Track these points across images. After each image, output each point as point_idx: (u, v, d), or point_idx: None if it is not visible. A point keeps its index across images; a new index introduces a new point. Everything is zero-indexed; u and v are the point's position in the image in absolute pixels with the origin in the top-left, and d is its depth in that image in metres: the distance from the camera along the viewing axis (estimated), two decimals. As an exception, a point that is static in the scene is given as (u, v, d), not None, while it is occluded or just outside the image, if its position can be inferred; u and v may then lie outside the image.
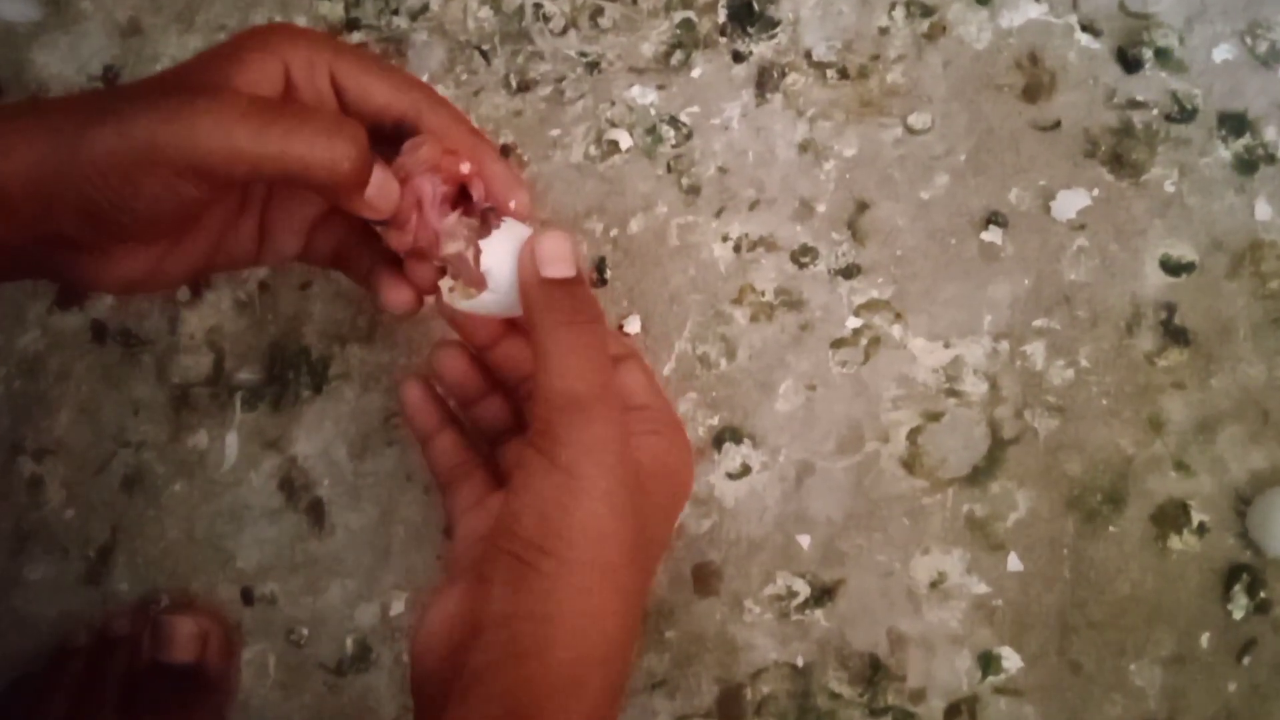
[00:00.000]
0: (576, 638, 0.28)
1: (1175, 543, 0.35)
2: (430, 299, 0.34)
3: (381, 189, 0.31)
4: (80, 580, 0.41)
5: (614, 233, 0.43)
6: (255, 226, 0.34)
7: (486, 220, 0.33)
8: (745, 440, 0.40)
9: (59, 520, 0.42)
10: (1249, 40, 0.40)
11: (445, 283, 0.33)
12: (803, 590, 0.38)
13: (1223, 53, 0.40)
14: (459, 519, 0.35)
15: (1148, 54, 0.40)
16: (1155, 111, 0.40)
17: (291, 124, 0.28)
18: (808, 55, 0.44)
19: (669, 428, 0.34)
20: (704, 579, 0.39)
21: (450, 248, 0.33)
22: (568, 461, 0.28)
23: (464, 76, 0.45)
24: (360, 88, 0.32)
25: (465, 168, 0.33)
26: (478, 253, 0.32)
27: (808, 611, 0.38)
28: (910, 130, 0.42)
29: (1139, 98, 0.40)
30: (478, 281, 0.32)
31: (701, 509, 0.39)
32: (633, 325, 0.42)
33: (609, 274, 0.43)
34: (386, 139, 0.33)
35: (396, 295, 0.34)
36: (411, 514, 0.41)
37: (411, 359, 0.43)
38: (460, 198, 0.34)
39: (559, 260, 0.31)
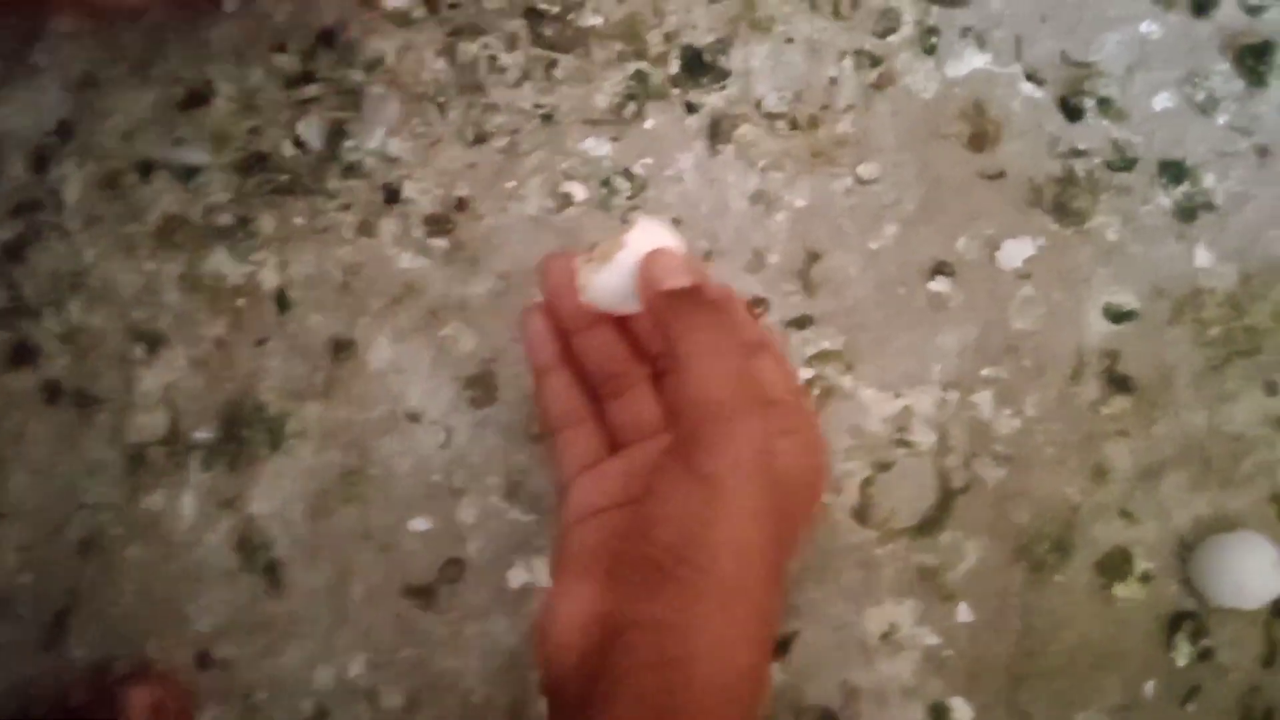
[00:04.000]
0: (715, 652, 0.27)
1: (1120, 590, 0.36)
2: None
3: None
4: (36, 646, 0.41)
5: (569, 285, 0.43)
6: None
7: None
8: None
9: (14, 585, 0.42)
10: (1188, 89, 0.41)
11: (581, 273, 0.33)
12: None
13: (1162, 101, 0.40)
14: (573, 480, 0.34)
15: (1089, 103, 0.41)
16: (1097, 160, 0.40)
17: None
18: (759, 106, 0.44)
19: (804, 425, 0.33)
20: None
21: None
22: (711, 473, 0.28)
23: (420, 129, 0.46)
24: None
25: None
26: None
27: (763, 664, 0.38)
28: (860, 180, 0.42)
29: (1081, 146, 0.41)
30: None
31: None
32: (588, 378, 0.42)
33: (564, 326, 0.43)
34: None
35: None
36: (369, 573, 0.41)
37: (370, 414, 0.43)
38: None
39: (674, 273, 0.31)
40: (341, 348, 0.44)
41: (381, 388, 0.43)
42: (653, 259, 0.31)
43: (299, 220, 0.45)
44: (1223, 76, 0.40)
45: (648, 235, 0.33)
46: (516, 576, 0.40)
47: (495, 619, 0.40)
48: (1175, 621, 0.35)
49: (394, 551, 0.41)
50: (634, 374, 0.35)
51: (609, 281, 0.33)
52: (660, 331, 0.31)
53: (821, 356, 0.41)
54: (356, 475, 0.42)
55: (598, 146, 0.45)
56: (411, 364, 0.43)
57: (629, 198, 0.44)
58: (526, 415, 0.43)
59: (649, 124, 0.45)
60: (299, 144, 0.46)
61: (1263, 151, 0.39)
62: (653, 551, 0.28)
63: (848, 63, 0.44)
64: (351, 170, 0.45)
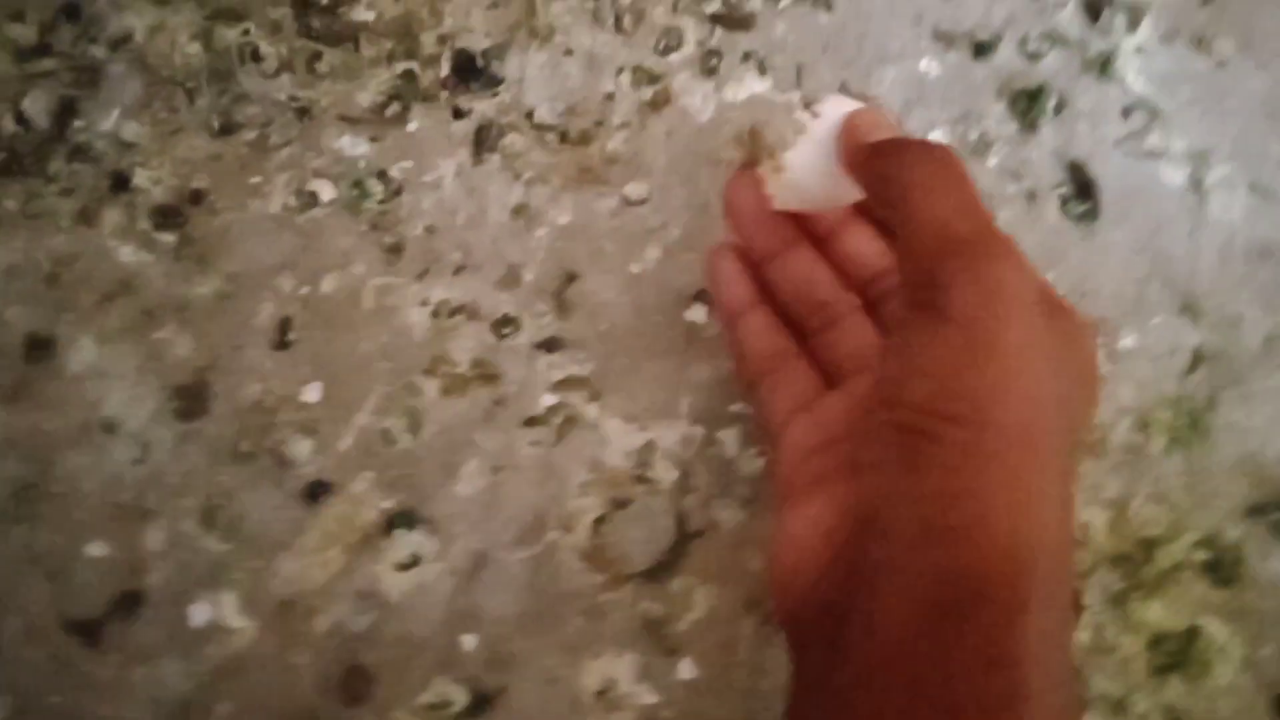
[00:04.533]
0: (1009, 512, 0.21)
1: (853, 650, 0.33)
2: None
3: None
4: None
5: (304, 291, 0.39)
6: None
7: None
8: (420, 526, 0.36)
9: None
10: (962, 129, 0.39)
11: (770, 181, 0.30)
12: (460, 699, 0.34)
13: (936, 139, 0.39)
14: (784, 427, 0.29)
15: (863, 137, 0.39)
16: (867, 195, 0.38)
17: None
18: (530, 116, 0.41)
19: (1077, 320, 0.25)
20: (354, 684, 0.34)
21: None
22: (962, 311, 0.22)
23: (162, 114, 0.41)
24: None
25: None
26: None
27: (465, 724, 0.34)
28: (627, 200, 0.40)
29: (852, 180, 0.39)
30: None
31: (362, 604, 0.35)
32: (312, 394, 0.38)
33: (292, 336, 0.39)
34: None
35: None
36: (30, 603, 0.35)
37: (61, 422, 0.37)
38: None
39: (881, 128, 0.27)
40: (38, 346, 0.39)
41: (78, 393, 0.38)
42: (855, 116, 0.28)
43: (10, 204, 0.40)
44: (996, 119, 0.39)
45: (839, 104, 0.29)
46: (199, 613, 0.35)
47: (168, 661, 0.35)
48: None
49: (63, 580, 0.36)
50: (844, 301, 0.31)
51: (805, 161, 0.29)
52: (877, 185, 0.26)
53: (568, 383, 0.37)
54: (34, 491, 0.37)
55: (354, 146, 0.41)
56: (116, 368, 0.38)
57: (381, 201, 0.41)
58: (237, 431, 0.38)
59: (412, 126, 0.42)
60: (22, 121, 0.41)
61: (1031, 196, 0.38)
62: (904, 416, 0.22)
63: (625, 79, 0.41)
64: (79, 153, 0.41)
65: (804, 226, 0.32)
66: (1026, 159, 0.39)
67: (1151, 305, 0.36)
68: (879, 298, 0.31)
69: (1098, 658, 0.31)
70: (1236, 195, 0.37)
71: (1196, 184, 0.38)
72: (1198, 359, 0.35)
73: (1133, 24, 0.40)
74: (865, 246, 0.31)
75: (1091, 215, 0.38)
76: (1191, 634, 0.32)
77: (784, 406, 0.29)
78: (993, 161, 0.39)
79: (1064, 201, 0.38)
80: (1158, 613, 0.32)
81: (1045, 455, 0.22)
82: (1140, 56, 0.39)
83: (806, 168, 0.30)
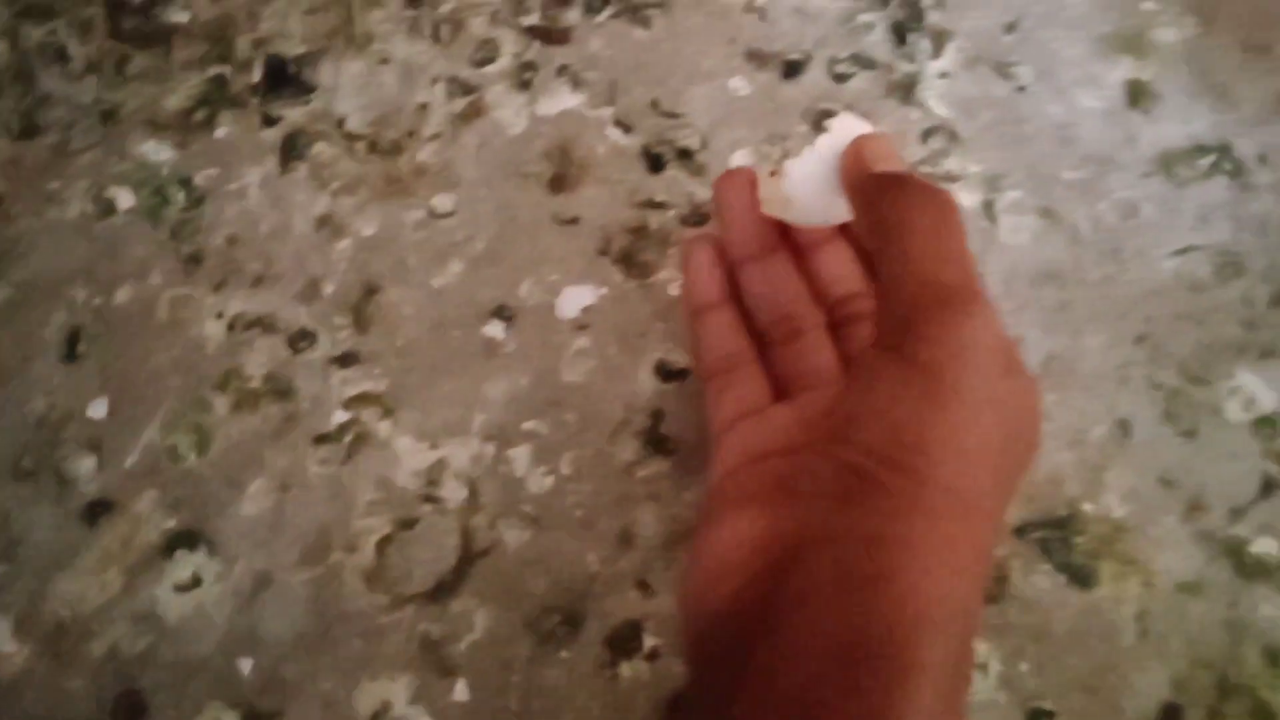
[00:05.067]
0: (923, 575, 0.21)
1: (625, 669, 0.33)
2: None
3: None
4: None
5: (97, 301, 0.38)
6: None
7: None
8: (202, 546, 0.35)
9: None
10: (766, 149, 0.40)
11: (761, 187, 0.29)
12: (232, 723, 0.33)
13: (740, 159, 0.39)
14: (726, 430, 0.28)
15: (671, 154, 0.39)
16: (672, 213, 0.39)
17: None
18: (341, 125, 0.41)
19: (1025, 372, 0.26)
20: (127, 709, 0.33)
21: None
22: (931, 361, 0.22)
23: (-44, 115, 0.40)
24: None
25: None
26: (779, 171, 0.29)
27: (235, 748, 0.33)
28: (433, 213, 0.39)
29: (659, 198, 0.39)
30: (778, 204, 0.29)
31: (139, 626, 0.34)
32: (98, 409, 0.37)
33: (82, 348, 0.38)
34: None
35: None
36: None
37: None
38: None
39: (889, 159, 0.26)
40: None
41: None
42: (864, 141, 0.27)
43: None
44: (800, 140, 0.39)
45: (851, 125, 0.28)
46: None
47: (-72, 689, 0.33)
48: (674, 702, 0.32)
49: None
50: (810, 317, 0.30)
51: (806, 174, 0.29)
52: (872, 216, 0.25)
53: (362, 398, 0.37)
54: None
55: (159, 151, 0.40)
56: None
57: (183, 209, 0.40)
58: (20, 447, 0.37)
59: (220, 133, 0.41)
60: None
61: (828, 217, 0.38)
62: (851, 455, 0.23)
63: (440, 89, 0.41)
64: None
65: (786, 234, 0.31)
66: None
67: (938, 327, 0.37)
68: (846, 319, 0.31)
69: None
70: (1026, 219, 0.38)
71: (989, 207, 0.38)
72: (978, 380, 0.36)
73: (937, 49, 0.40)
74: (842, 267, 0.31)
75: (887, 237, 0.38)
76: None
77: (730, 410, 0.29)
78: (795, 182, 0.39)
79: (861, 223, 0.38)
80: (920, 631, 0.33)
81: (978, 518, 0.22)
82: (943, 81, 0.40)
83: (805, 181, 0.29)
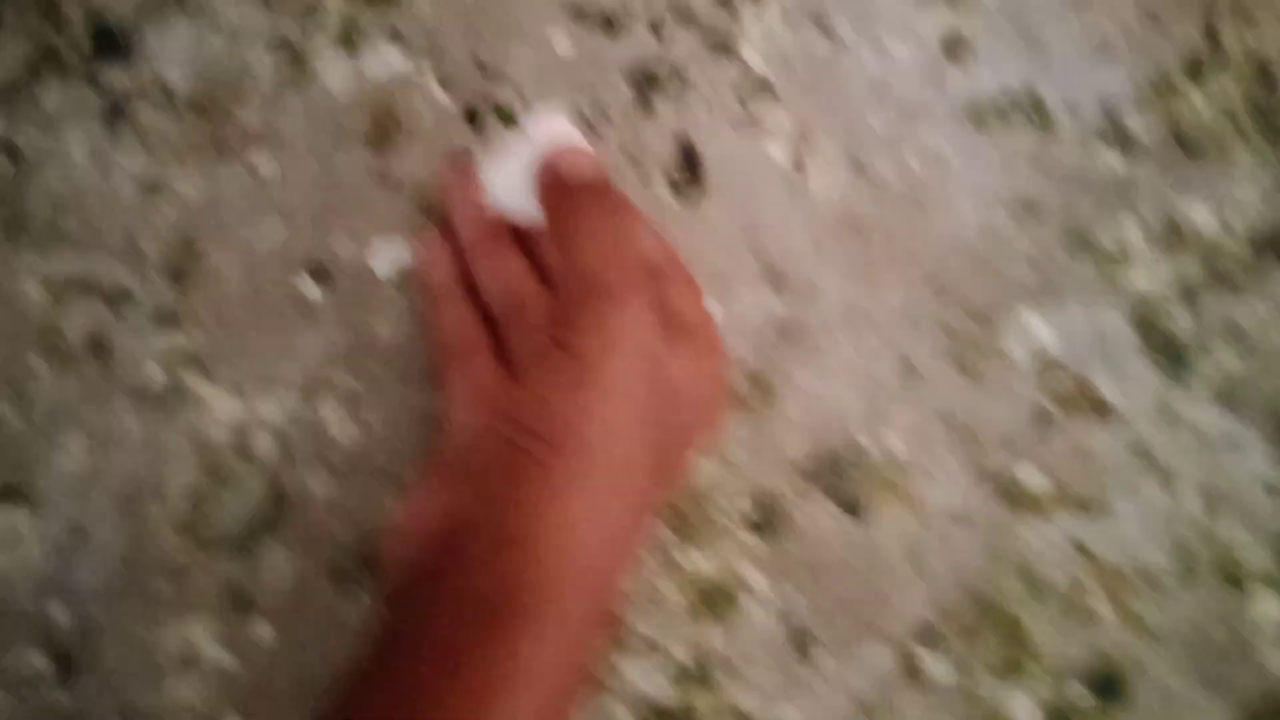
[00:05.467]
0: (567, 533, 0.25)
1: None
2: None
3: None
4: None
5: (-80, 268, 0.39)
6: None
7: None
8: (23, 504, 0.36)
9: None
10: (587, 107, 0.40)
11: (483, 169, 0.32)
12: (43, 666, 0.34)
13: (561, 117, 0.40)
14: (456, 406, 0.30)
15: (491, 114, 0.40)
16: (489, 170, 0.39)
17: None
18: (167, 89, 0.41)
19: (712, 354, 0.31)
20: (-60, 658, 0.34)
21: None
22: (584, 350, 0.26)
23: None
24: None
25: None
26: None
27: (44, 690, 0.34)
28: (257, 174, 0.40)
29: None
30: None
31: (-46, 578, 0.35)
32: (-80, 371, 0.37)
33: (-96, 313, 0.38)
34: None
35: None
36: None
37: None
38: None
39: (579, 170, 0.30)
40: None
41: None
42: (559, 155, 0.31)
43: None
44: (621, 98, 0.40)
45: (545, 124, 0.32)
46: None
47: None
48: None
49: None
50: (535, 299, 0.31)
51: (505, 173, 0.31)
52: (549, 222, 0.28)
53: (178, 357, 0.38)
54: None
55: (-16, 119, 0.41)
56: None
57: (8, 176, 0.40)
58: None
59: (46, 98, 0.41)
60: None
61: (645, 173, 0.39)
62: (511, 432, 0.26)
63: (267, 52, 0.41)
64: None
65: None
66: (643, 140, 0.40)
67: (740, 276, 0.38)
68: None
69: (640, 603, 0.33)
70: (836, 173, 0.39)
71: (800, 162, 0.39)
72: (778, 328, 0.37)
73: (758, 5, 0.41)
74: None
75: (698, 192, 0.39)
76: (731, 580, 0.34)
77: (463, 393, 0.31)
78: (613, 140, 0.40)
79: (674, 179, 0.39)
80: (701, 561, 0.34)
81: (627, 489, 0.26)
82: (763, 37, 0.41)
83: (504, 179, 0.32)
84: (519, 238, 0.33)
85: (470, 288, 0.33)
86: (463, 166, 0.32)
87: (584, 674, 0.26)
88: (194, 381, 0.37)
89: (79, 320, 0.38)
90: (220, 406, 0.37)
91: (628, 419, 0.26)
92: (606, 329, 0.26)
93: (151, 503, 0.36)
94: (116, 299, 0.38)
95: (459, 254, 0.34)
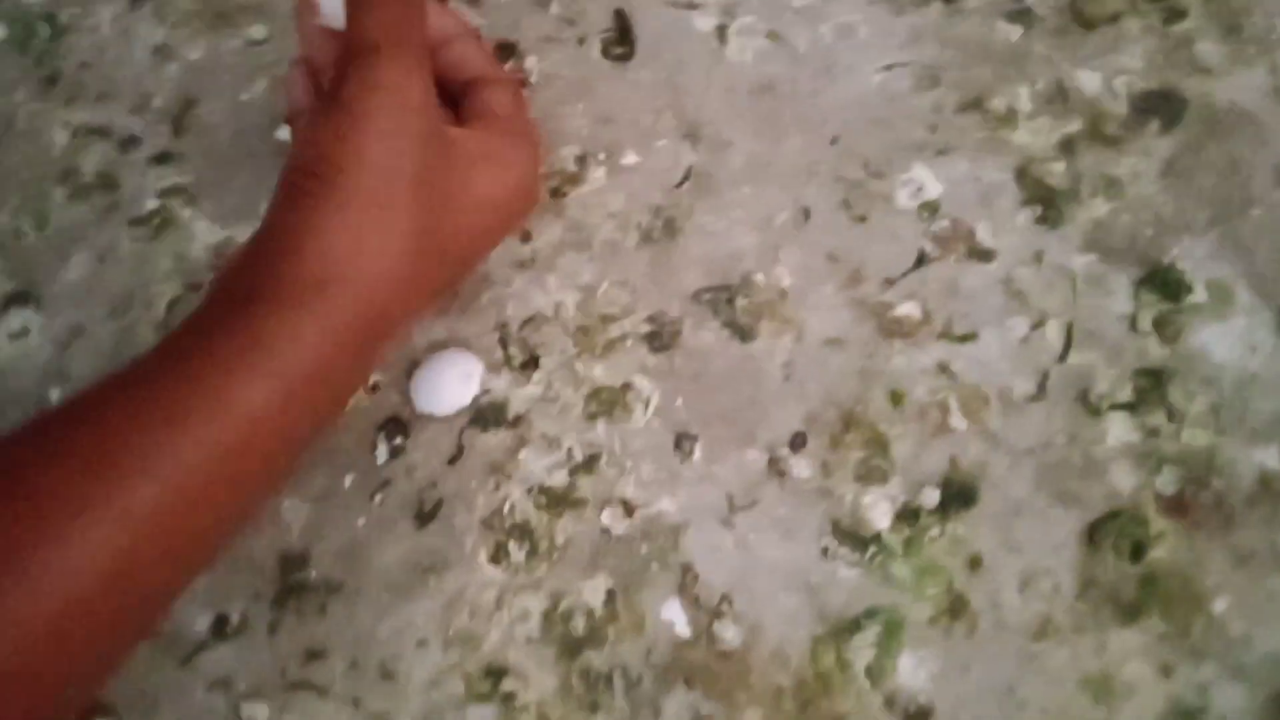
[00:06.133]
0: (335, 246, 0.29)
1: (350, 403, 0.39)
2: None
3: None
4: None
5: (-33, 114, 0.46)
6: None
7: None
8: (32, 304, 0.42)
9: None
10: (539, -14, 0.45)
11: None
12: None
13: (511, -6, 0.45)
14: None
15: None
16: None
17: None
18: (181, -30, 0.47)
19: (522, 141, 0.35)
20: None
21: None
22: (348, 98, 0.30)
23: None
24: None
25: None
26: None
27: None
28: (250, 41, 0.46)
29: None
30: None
31: (-22, 364, 0.42)
32: (-39, 197, 0.44)
33: (-47, 150, 0.45)
34: None
35: None
36: None
37: None
38: None
39: None
40: None
41: None
42: None
43: None
44: (565, -25, 0.44)
45: None
46: None
47: None
48: (384, 425, 0.39)
49: None
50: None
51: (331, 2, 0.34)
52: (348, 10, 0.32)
53: (171, 190, 0.44)
54: None
55: (31, -6, 0.48)
56: None
57: (48, 40, 0.47)
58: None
59: (82, -21, 0.48)
60: None
61: (581, 39, 0.44)
62: (291, 175, 0.30)
63: (266, -61, 0.47)
64: None
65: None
66: (582, 7, 0.45)
67: (660, 131, 0.42)
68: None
69: (544, 405, 0.38)
70: (754, 41, 0.43)
71: (722, 31, 0.43)
72: (688, 175, 0.41)
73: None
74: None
75: (627, 56, 0.43)
76: (624, 389, 0.38)
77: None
78: (554, 9, 0.45)
79: (606, 44, 0.44)
80: (600, 372, 0.38)
81: (396, 220, 0.30)
82: (695, -78, 0.45)
83: (330, 9, 0.35)
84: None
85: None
86: (305, 75, 0.37)
87: (339, 389, 0.31)
88: (182, 211, 0.43)
89: (93, 159, 0.44)
90: (203, 231, 0.43)
91: (389, 159, 0.30)
92: (366, 77, 0.30)
93: (140, 309, 0.42)
94: (125, 143, 0.45)
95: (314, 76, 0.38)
